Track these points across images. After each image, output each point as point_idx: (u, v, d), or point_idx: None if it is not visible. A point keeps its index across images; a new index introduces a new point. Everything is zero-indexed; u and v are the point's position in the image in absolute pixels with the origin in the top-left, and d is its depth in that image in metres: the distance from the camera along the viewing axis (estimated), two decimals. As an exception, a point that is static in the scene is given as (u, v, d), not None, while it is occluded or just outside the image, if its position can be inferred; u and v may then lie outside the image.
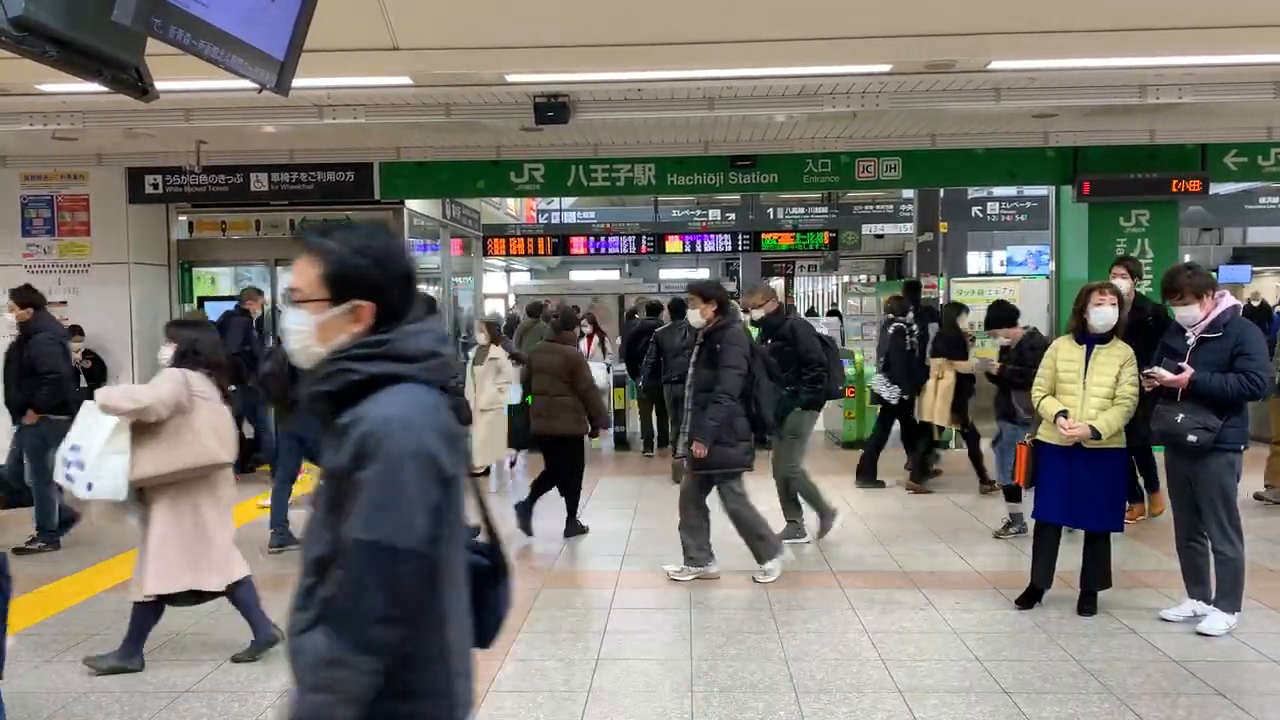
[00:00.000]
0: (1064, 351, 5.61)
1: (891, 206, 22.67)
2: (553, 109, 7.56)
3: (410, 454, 1.81)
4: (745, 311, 7.79)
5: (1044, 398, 5.60)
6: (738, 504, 6.32)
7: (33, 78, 6.54)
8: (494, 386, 8.72)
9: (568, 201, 25.85)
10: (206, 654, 5.16)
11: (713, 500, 6.42)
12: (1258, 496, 8.29)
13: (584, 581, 6.45)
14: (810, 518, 7.43)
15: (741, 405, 6.18)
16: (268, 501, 7.41)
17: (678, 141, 10.45)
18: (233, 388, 8.51)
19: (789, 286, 28.78)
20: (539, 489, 7.68)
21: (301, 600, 1.89)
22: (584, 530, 7.75)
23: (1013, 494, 7.28)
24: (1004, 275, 20.75)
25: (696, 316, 6.33)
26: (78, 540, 7.57)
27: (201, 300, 11.52)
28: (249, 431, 9.59)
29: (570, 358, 7.65)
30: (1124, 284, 6.74)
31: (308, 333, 1.98)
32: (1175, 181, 10.49)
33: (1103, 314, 5.45)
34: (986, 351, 8.88)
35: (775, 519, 7.01)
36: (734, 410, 6.14)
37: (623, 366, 12.33)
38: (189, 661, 5.06)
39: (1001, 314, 7.61)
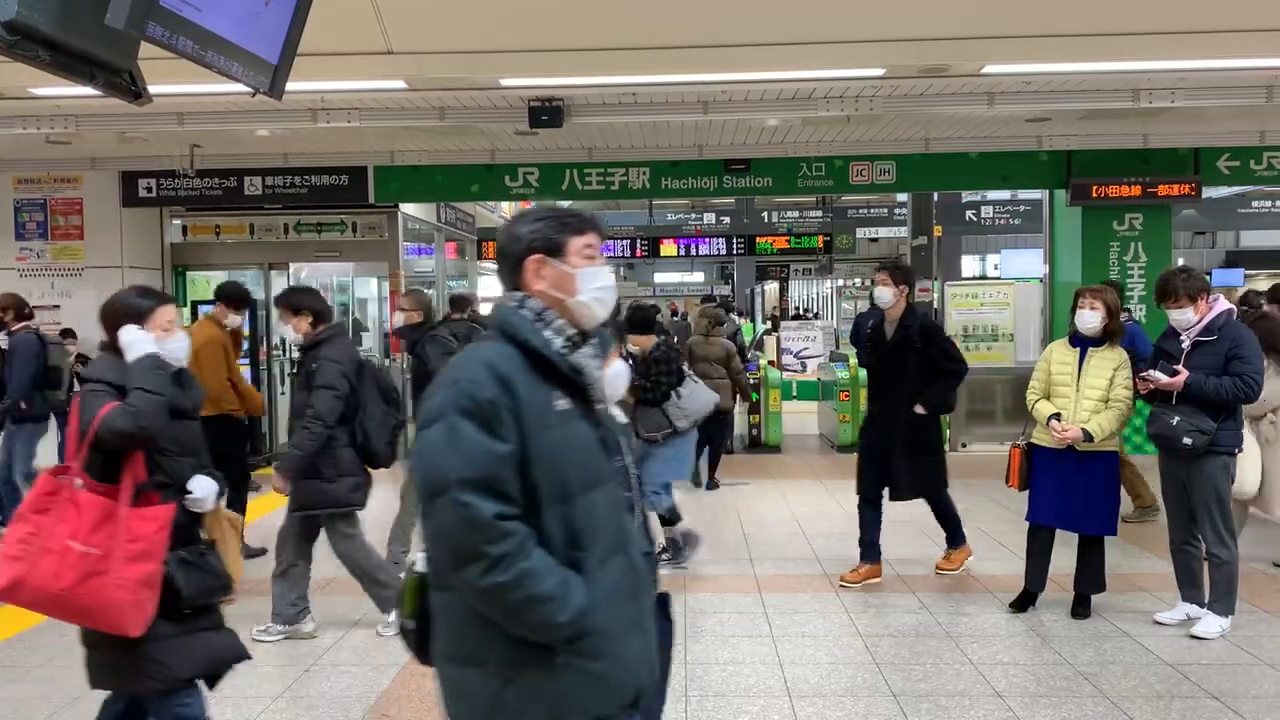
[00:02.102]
0: (1058, 354, 5.62)
1: (886, 210, 22.72)
2: (547, 113, 7.56)
3: None
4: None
5: (1037, 400, 5.61)
6: (348, 546, 5.40)
7: (26, 81, 6.52)
8: None
9: (563, 204, 25.87)
10: (200, 659, 5.13)
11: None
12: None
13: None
14: None
15: (345, 433, 5.24)
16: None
17: (672, 145, 10.46)
18: None
19: (783, 290, 28.82)
20: (713, 458, 9.60)
21: None
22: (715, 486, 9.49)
23: (669, 519, 6.83)
24: (998, 279, 20.80)
25: (290, 331, 5.42)
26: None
27: (195, 304, 11.49)
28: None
29: (727, 347, 9.83)
30: (886, 292, 6.07)
31: None
32: (1168, 185, 10.53)
33: (1082, 318, 5.48)
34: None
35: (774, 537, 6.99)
36: (336, 439, 5.21)
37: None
38: (182, 666, 5.03)
39: (638, 319, 6.97)
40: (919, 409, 6.03)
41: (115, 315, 3.36)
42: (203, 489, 3.41)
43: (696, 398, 6.83)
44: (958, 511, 6.46)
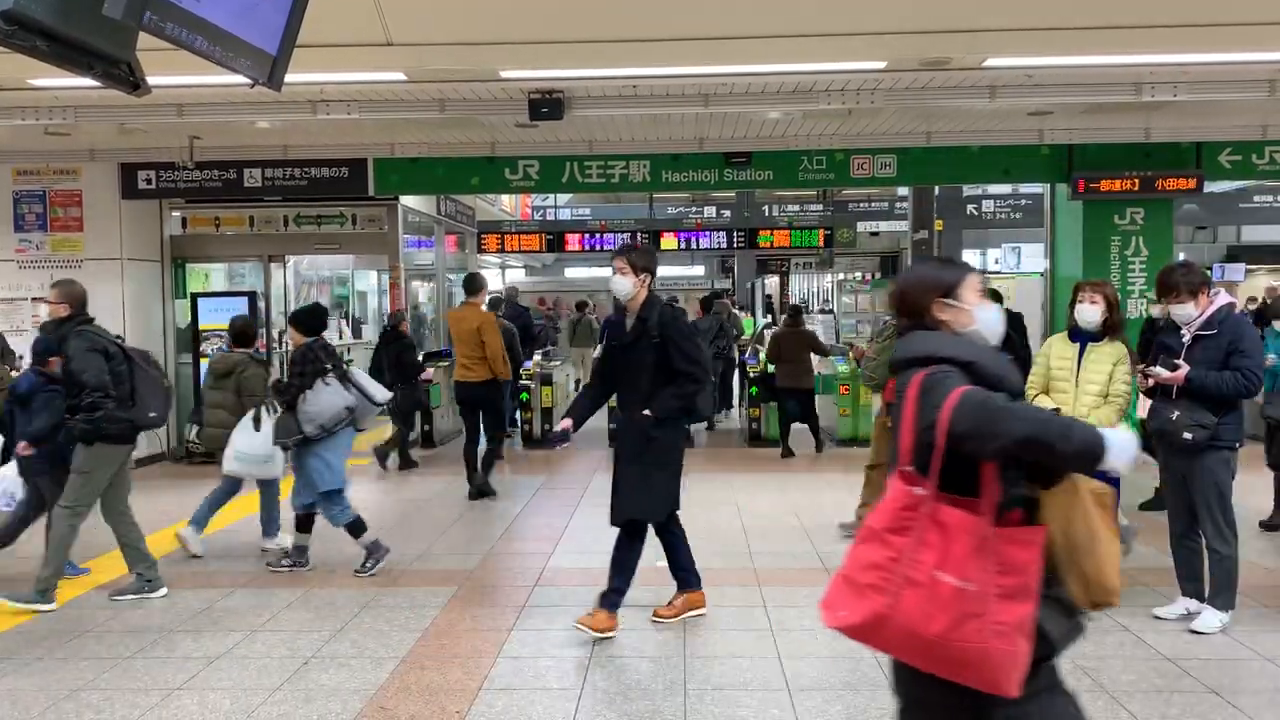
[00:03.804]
0: (1057, 349, 5.62)
1: (887, 204, 22.68)
2: (547, 105, 7.54)
3: None
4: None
5: (1036, 395, 5.61)
6: None
7: (24, 73, 6.51)
8: None
9: (563, 198, 25.85)
10: (198, 651, 5.14)
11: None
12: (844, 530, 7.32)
13: (578, 579, 6.43)
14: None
15: None
16: None
17: (673, 138, 10.44)
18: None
19: (784, 284, 28.80)
20: (786, 429, 11.10)
21: None
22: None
23: (303, 523, 6.59)
24: (998, 273, 20.78)
25: None
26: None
27: (195, 296, 11.50)
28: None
29: (806, 334, 11.35)
30: (624, 281, 5.28)
31: None
32: (1170, 179, 10.51)
33: (1082, 312, 5.48)
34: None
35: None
36: None
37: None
38: (181, 659, 5.04)
39: (303, 316, 6.65)
40: (648, 414, 5.24)
41: (921, 291, 2.69)
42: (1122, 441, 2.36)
43: (321, 402, 6.30)
44: (690, 549, 5.61)
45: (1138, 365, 5.49)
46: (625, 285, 5.32)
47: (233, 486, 7.12)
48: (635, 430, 5.31)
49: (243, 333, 7.27)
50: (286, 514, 7.02)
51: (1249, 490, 8.17)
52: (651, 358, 5.28)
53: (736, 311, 20.79)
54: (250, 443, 6.82)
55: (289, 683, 4.71)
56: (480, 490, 8.87)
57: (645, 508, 5.34)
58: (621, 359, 5.44)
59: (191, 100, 7.77)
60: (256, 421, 6.83)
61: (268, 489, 7.19)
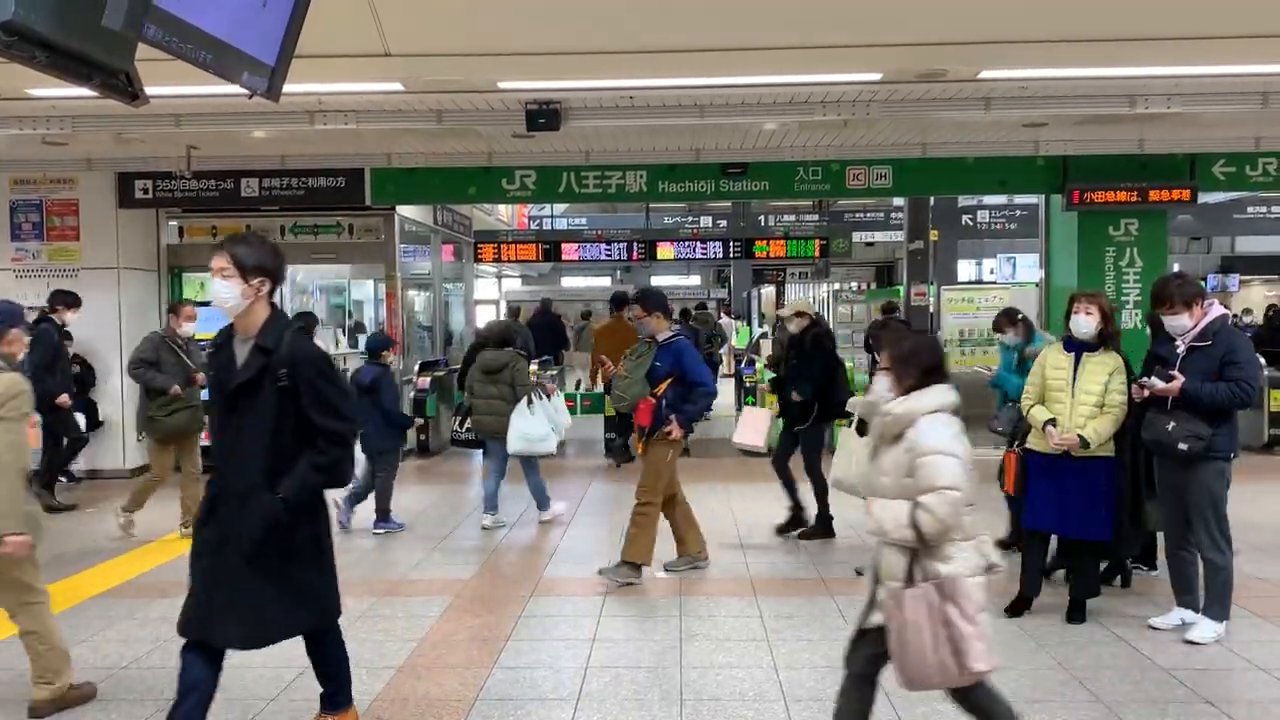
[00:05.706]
0: (1052, 359, 5.62)
1: (882, 214, 22.74)
2: (544, 116, 7.57)
3: None
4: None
5: (1033, 406, 5.62)
6: None
7: (22, 82, 6.52)
8: None
9: (560, 208, 25.86)
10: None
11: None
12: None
13: (574, 589, 6.43)
14: None
15: None
16: None
17: (669, 149, 10.48)
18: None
19: (780, 293, 28.82)
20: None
21: None
22: None
23: None
24: (994, 284, 20.83)
25: None
26: (66, 547, 7.53)
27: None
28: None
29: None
30: (229, 288, 3.65)
31: None
32: (1164, 191, 10.56)
33: (1077, 322, 5.49)
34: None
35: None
36: None
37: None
38: (176, 669, 5.02)
39: None
40: (281, 495, 3.62)
41: None
42: None
43: None
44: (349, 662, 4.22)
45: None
46: (229, 293, 3.66)
47: (502, 466, 8.28)
48: (259, 516, 3.61)
49: (504, 336, 8.48)
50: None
51: (1243, 500, 8.13)
52: (276, 409, 3.63)
53: (732, 320, 20.84)
54: (529, 425, 7.97)
55: (284, 693, 4.70)
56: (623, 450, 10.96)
57: (277, 629, 3.83)
58: (230, 408, 3.70)
59: (189, 110, 7.79)
60: (530, 405, 8.01)
61: (531, 468, 8.29)
